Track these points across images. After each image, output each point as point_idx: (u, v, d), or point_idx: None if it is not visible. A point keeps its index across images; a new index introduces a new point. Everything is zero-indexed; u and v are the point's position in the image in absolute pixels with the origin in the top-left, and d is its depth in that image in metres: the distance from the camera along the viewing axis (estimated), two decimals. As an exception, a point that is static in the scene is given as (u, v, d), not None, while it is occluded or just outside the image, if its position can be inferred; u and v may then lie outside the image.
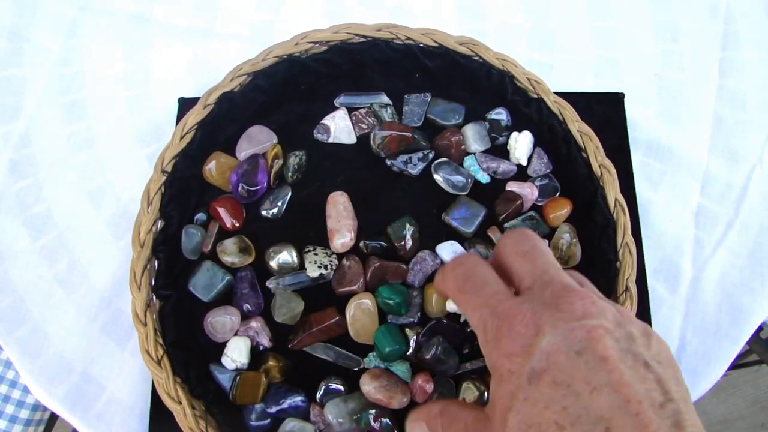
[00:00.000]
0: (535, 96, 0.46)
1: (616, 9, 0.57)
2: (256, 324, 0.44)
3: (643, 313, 0.46)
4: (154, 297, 0.42)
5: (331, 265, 0.44)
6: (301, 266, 0.45)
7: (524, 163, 0.48)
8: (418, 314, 0.45)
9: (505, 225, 0.46)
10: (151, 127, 0.53)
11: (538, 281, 0.29)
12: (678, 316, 0.48)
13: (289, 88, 0.48)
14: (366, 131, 0.49)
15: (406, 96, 0.49)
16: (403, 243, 0.45)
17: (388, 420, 0.41)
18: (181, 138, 0.44)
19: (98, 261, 0.49)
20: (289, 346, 0.43)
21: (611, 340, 0.26)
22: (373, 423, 0.40)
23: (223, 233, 0.46)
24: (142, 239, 0.42)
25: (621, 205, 0.43)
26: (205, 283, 0.44)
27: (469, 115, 0.49)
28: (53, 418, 0.74)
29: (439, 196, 0.47)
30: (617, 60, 0.55)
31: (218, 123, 0.45)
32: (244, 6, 0.57)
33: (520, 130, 0.48)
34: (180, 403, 0.40)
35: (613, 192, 0.43)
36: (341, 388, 0.43)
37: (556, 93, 0.46)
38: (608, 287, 0.42)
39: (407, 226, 0.45)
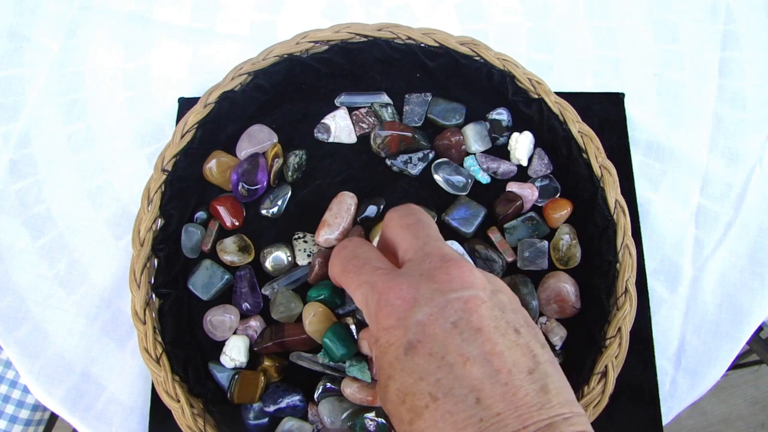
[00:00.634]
0: (536, 96, 0.46)
1: (616, 9, 0.57)
2: (255, 323, 0.44)
3: (643, 313, 0.46)
4: (154, 295, 0.42)
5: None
6: (296, 264, 0.45)
7: (525, 163, 0.48)
8: None
9: (505, 225, 0.46)
10: (151, 127, 0.53)
11: (419, 253, 0.30)
12: (678, 316, 0.48)
13: (289, 87, 0.48)
14: (366, 131, 0.49)
15: (406, 96, 0.49)
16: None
17: (383, 419, 0.41)
18: (182, 137, 0.44)
19: (98, 261, 0.49)
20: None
21: (486, 309, 0.27)
22: (368, 426, 0.40)
23: (223, 232, 0.46)
24: (142, 237, 0.42)
25: (621, 206, 0.43)
26: (204, 281, 0.44)
27: (470, 115, 0.49)
28: (53, 418, 0.74)
29: (439, 196, 0.47)
30: (617, 60, 0.55)
31: (219, 122, 0.45)
32: (244, 6, 0.57)
33: (520, 131, 0.48)
34: (178, 401, 0.40)
35: (613, 193, 0.43)
36: (338, 387, 0.42)
37: (556, 93, 0.46)
38: (608, 288, 0.42)
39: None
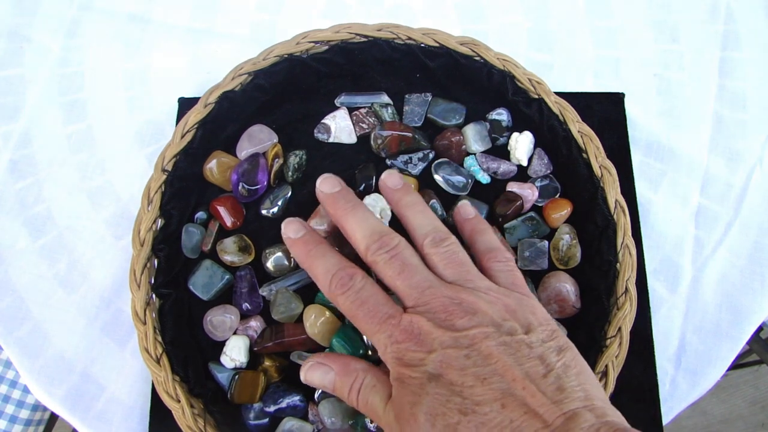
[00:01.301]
0: (536, 96, 0.46)
1: (616, 9, 0.57)
2: (255, 323, 0.44)
3: (643, 312, 0.46)
4: (154, 295, 0.42)
5: None
6: (297, 266, 0.45)
7: (525, 163, 0.48)
8: None
9: (505, 225, 0.46)
10: (151, 127, 0.53)
11: (420, 300, 0.34)
12: (678, 316, 0.48)
13: (289, 87, 0.48)
14: (366, 131, 0.49)
15: (406, 96, 0.49)
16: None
17: None
18: (182, 137, 0.44)
19: (98, 261, 0.49)
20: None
21: (491, 341, 0.31)
22: (369, 426, 0.40)
23: (223, 232, 0.46)
24: (142, 237, 0.42)
25: (621, 206, 0.43)
26: (204, 281, 0.44)
27: (470, 115, 0.49)
28: (53, 418, 0.74)
29: (439, 196, 0.47)
30: (617, 60, 0.55)
31: (219, 122, 0.45)
32: (244, 6, 0.57)
33: (520, 131, 0.48)
34: (179, 401, 0.40)
35: (613, 193, 0.43)
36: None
37: (556, 93, 0.46)
38: (608, 288, 0.42)
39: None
